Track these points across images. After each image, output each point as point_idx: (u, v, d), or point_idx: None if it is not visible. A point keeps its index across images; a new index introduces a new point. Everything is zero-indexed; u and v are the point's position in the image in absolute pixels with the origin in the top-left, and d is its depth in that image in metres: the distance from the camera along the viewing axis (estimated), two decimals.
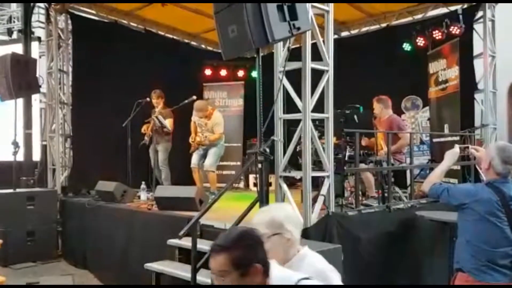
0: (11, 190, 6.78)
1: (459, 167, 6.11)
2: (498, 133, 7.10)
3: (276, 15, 2.90)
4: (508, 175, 2.90)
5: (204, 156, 6.90)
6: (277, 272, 1.82)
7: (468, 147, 3.36)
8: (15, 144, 6.95)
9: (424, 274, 4.73)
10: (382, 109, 5.92)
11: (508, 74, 8.40)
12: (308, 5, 3.64)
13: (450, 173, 5.56)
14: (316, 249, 3.14)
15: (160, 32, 8.93)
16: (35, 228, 6.59)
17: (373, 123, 5.72)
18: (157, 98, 7.13)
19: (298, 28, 2.98)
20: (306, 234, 3.77)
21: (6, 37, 9.85)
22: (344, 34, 8.90)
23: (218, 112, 7.17)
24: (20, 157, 7.55)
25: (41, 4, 8.01)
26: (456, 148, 3.30)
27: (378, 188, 5.31)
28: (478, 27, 6.90)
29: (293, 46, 4.00)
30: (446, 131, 6.65)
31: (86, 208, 6.39)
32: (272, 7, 2.88)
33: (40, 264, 6.49)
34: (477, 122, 6.91)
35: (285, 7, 2.92)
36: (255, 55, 3.10)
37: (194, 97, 6.83)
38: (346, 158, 5.10)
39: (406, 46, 7.49)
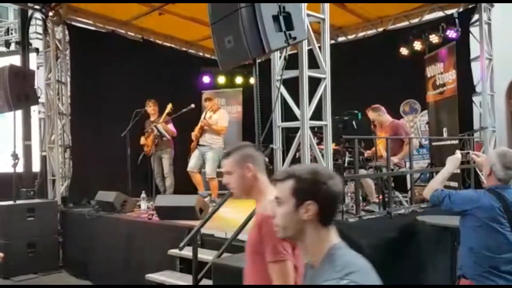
0: (11, 202, 6.76)
1: (459, 171, 6.10)
2: (497, 135, 7.10)
3: (272, 26, 2.91)
4: (510, 181, 2.89)
5: (201, 160, 6.90)
6: None
7: (468, 153, 3.37)
8: (15, 155, 6.94)
9: (426, 280, 4.71)
10: (381, 116, 5.93)
11: (506, 76, 8.42)
12: (304, 14, 3.65)
13: (450, 177, 5.54)
14: None
15: (157, 41, 8.96)
16: (36, 239, 6.57)
17: (372, 130, 5.72)
18: (153, 106, 7.16)
19: (294, 38, 2.99)
20: None
21: (4, 49, 9.84)
22: (341, 39, 8.93)
23: (224, 110, 7.26)
24: (20, 168, 7.54)
25: (39, 16, 8.03)
26: (458, 154, 3.30)
27: (378, 193, 5.31)
28: (474, 30, 6.93)
29: (290, 52, 4.01)
30: (445, 134, 6.64)
31: (87, 219, 6.38)
32: (268, 18, 2.90)
33: (41, 276, 6.47)
34: (476, 125, 6.92)
35: (281, 18, 2.93)
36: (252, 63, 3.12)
37: (193, 105, 6.85)
38: (346, 164, 5.11)
39: (403, 50, 7.50)
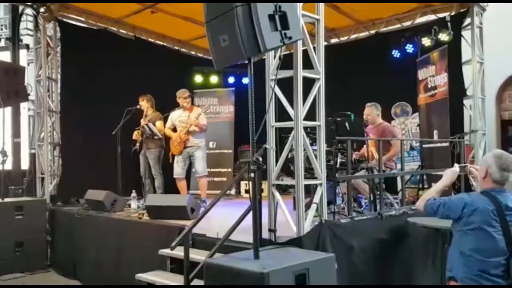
0: None
1: None
2: (487, 138, 7.17)
3: (267, 25, 2.90)
4: (505, 183, 2.89)
5: (188, 163, 6.84)
6: None
7: (466, 166, 3.34)
8: (3, 153, 6.84)
9: (417, 280, 4.75)
10: (378, 114, 5.99)
11: (496, 79, 8.52)
12: (299, 14, 3.65)
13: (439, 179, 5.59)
14: (310, 259, 3.16)
15: (149, 39, 8.90)
16: (23, 238, 6.49)
17: (364, 131, 5.74)
18: (146, 102, 7.07)
19: (290, 38, 2.98)
20: (299, 243, 3.76)
21: None
22: (334, 41, 8.96)
23: (197, 108, 7.20)
24: (8, 166, 7.45)
25: (30, 12, 7.94)
26: (456, 168, 3.29)
27: (370, 194, 5.33)
28: (466, 34, 6.99)
29: (284, 53, 4.00)
30: (436, 137, 6.70)
31: (76, 218, 6.31)
32: (263, 17, 2.88)
33: (28, 275, 6.39)
34: (466, 128, 6.98)
35: (277, 17, 2.92)
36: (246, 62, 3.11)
37: (185, 104, 6.83)
38: (338, 165, 5.12)
39: (395, 53, 7.55)
